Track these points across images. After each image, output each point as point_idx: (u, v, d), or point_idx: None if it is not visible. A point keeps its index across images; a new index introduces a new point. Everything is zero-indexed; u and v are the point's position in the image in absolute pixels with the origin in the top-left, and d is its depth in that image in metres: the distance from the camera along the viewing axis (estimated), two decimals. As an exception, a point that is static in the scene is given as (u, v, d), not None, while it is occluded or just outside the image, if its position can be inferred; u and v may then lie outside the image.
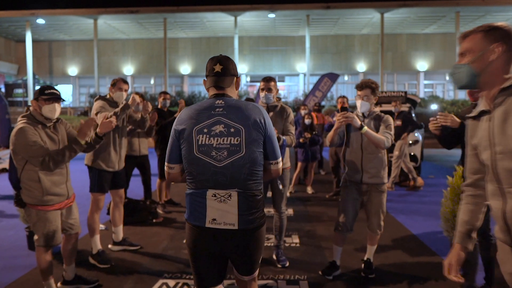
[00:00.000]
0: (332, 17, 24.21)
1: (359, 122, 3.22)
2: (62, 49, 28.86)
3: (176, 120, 1.92)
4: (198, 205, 1.84)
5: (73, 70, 28.92)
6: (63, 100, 2.96)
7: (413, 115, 9.51)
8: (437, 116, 3.19)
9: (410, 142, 8.57)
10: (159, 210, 5.65)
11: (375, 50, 27.46)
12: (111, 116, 3.30)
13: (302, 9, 22.81)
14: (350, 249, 4.17)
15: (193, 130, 1.84)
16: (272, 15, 23.23)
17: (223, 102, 1.88)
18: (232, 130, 1.82)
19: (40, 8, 23.42)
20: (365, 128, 3.23)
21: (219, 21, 24.51)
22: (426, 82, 28.21)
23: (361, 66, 27.89)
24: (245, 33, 26.78)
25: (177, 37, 27.81)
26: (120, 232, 4.12)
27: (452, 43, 26.24)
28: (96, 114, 3.63)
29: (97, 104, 3.71)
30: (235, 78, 1.99)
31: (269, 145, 1.92)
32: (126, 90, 3.85)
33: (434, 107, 20.25)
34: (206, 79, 1.98)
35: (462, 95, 26.98)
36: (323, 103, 18.82)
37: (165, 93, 5.73)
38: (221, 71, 1.92)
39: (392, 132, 3.31)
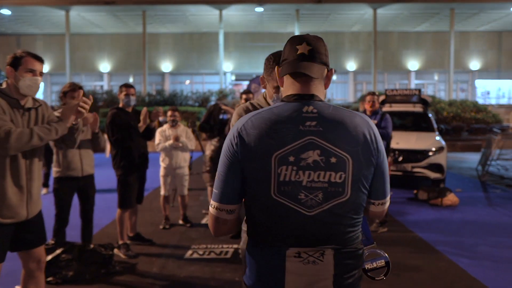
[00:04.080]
0: (323, 13, 23.16)
1: None
2: (32, 43, 26.92)
3: (235, 130, 1.16)
4: (271, 269, 1.20)
5: (44, 66, 26.70)
6: None
7: (430, 115, 8.45)
8: None
9: (434, 149, 7.21)
10: (120, 254, 3.98)
11: (365, 48, 26.69)
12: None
13: (291, 3, 21.53)
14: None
15: (273, 157, 1.14)
16: (260, 9, 21.89)
17: (315, 110, 1.17)
18: (332, 160, 1.15)
19: (5, -3, 21.39)
20: None
21: (203, 15, 23.15)
22: (417, 81, 27.88)
23: (351, 65, 27.14)
24: (230, 28, 25.46)
25: (157, 32, 26.36)
26: (39, 316, 2.49)
27: (444, 42, 25.74)
28: None
29: None
30: (327, 70, 1.26)
31: (379, 179, 1.23)
32: (41, 74, 2.26)
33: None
34: (279, 67, 1.27)
35: (463, 95, 26.19)
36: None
37: (127, 86, 3.94)
38: (308, 53, 1.21)
39: None
